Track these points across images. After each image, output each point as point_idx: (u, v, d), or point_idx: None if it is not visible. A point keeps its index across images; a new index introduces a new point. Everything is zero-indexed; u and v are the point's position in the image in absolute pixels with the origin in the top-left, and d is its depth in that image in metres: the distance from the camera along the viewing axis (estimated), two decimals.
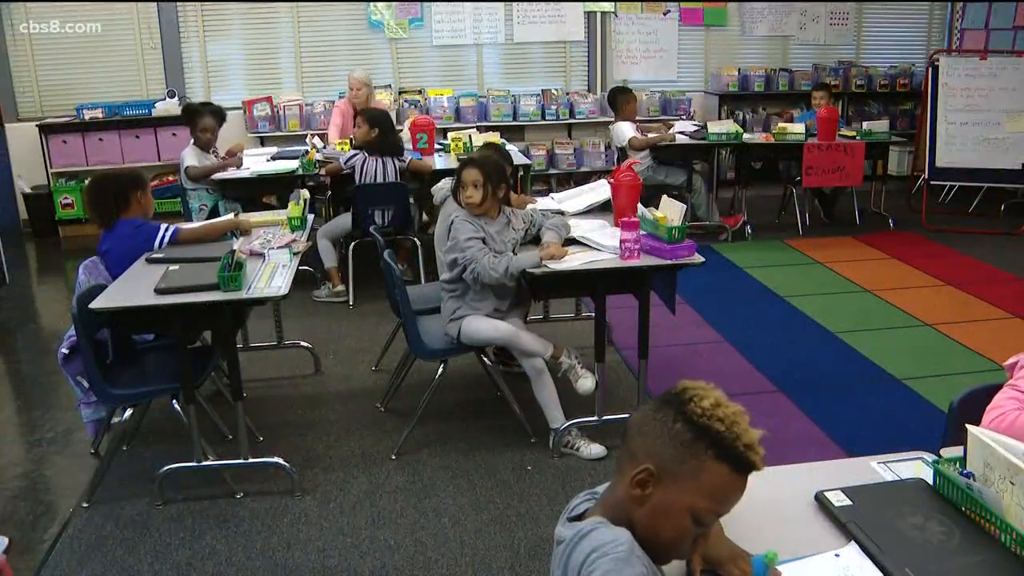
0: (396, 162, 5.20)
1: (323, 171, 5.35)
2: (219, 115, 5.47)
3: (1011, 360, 1.92)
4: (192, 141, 5.39)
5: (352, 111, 6.08)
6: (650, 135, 6.33)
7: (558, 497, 3.09)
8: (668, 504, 1.23)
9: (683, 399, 1.25)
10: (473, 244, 3.24)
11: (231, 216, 4.07)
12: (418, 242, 5.36)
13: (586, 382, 3.41)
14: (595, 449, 3.38)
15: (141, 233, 3.48)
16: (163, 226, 3.54)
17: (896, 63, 8.36)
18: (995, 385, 1.90)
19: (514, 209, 3.52)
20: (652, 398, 1.31)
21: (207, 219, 4.85)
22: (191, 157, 5.30)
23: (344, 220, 5.35)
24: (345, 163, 5.18)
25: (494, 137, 5.87)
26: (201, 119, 5.35)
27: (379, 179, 5.14)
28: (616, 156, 6.81)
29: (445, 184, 4.10)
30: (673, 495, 1.23)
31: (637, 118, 6.59)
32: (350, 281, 5.30)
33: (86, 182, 3.65)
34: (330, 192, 5.72)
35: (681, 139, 6.41)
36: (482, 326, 3.35)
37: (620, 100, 6.36)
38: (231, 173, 5.32)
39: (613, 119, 6.54)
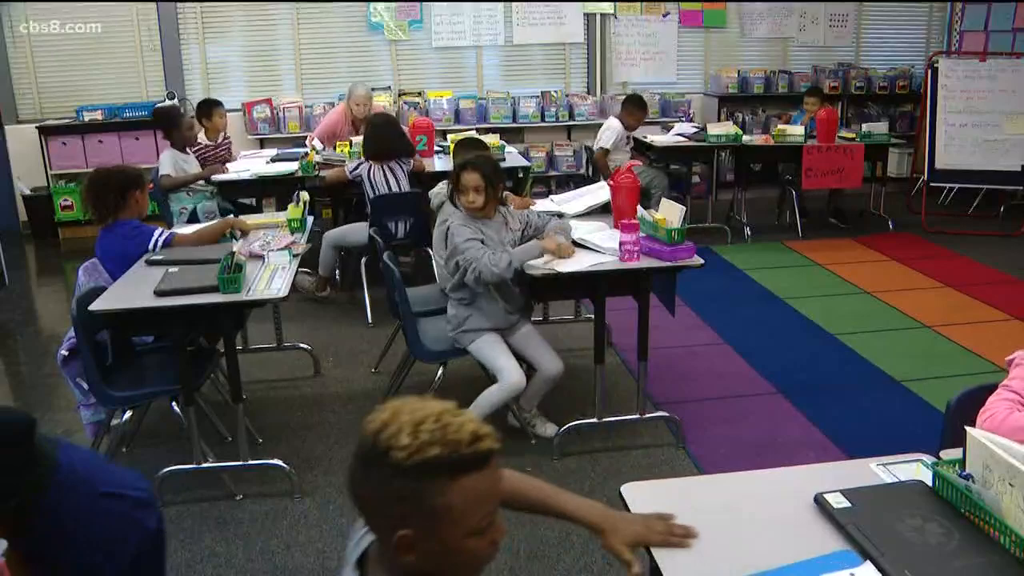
0: (403, 166, 4.98)
1: (324, 176, 5.15)
2: (179, 110, 5.51)
3: (1011, 356, 1.93)
4: (170, 144, 5.27)
5: (349, 121, 6.07)
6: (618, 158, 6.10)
7: None
8: (445, 546, 1.12)
9: (380, 452, 1.09)
10: (472, 245, 3.19)
11: (229, 217, 4.06)
12: (431, 251, 5.12)
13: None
14: (550, 429, 3.52)
15: (138, 235, 3.48)
16: (158, 230, 3.54)
17: (895, 65, 8.36)
18: (990, 385, 1.91)
19: (510, 209, 3.52)
20: (355, 459, 1.14)
21: (187, 223, 4.78)
22: (167, 164, 5.17)
23: (355, 231, 5.02)
24: (351, 172, 4.95)
25: (493, 139, 5.86)
26: (183, 119, 5.33)
27: (390, 188, 4.88)
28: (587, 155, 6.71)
29: (442, 189, 4.08)
30: (443, 537, 1.11)
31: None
32: (367, 300, 4.96)
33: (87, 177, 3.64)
34: (329, 197, 5.64)
35: (680, 140, 6.41)
36: (499, 360, 3.30)
37: (629, 106, 6.19)
38: (229, 175, 5.30)
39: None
